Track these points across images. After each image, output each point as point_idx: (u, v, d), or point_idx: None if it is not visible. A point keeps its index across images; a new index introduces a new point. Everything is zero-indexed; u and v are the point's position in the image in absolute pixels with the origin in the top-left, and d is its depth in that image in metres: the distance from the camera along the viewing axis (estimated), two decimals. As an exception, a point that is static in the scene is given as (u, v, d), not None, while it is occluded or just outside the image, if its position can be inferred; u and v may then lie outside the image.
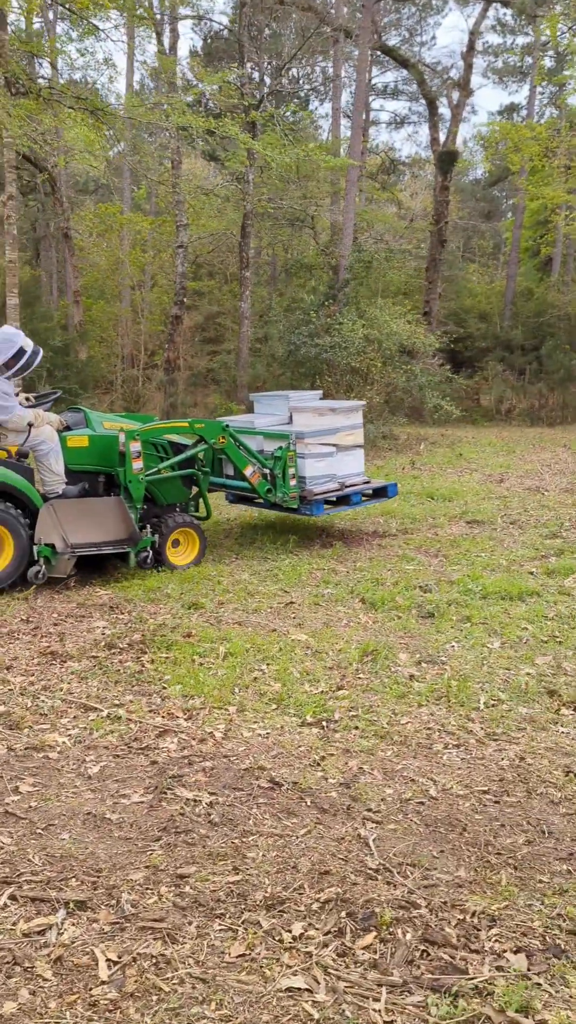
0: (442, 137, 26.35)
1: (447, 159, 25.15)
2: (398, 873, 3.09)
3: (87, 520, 6.62)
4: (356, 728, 4.28)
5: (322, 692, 4.70)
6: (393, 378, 15.14)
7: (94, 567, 7.08)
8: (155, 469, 7.16)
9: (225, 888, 2.97)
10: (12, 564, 6.30)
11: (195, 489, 7.80)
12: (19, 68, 13.63)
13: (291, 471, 7.71)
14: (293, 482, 7.74)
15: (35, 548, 6.35)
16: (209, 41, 32.19)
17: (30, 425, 6.60)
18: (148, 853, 3.18)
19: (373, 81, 37.63)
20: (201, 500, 7.91)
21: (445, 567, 7.54)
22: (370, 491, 8.58)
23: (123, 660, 5.09)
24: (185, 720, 4.33)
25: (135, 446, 6.83)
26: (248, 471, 7.64)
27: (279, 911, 2.85)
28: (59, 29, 22.67)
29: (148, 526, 7.05)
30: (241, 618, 5.96)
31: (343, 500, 8.26)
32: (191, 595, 6.45)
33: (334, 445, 8.09)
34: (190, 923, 2.79)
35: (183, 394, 19.19)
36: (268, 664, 5.07)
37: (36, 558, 6.38)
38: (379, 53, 32.28)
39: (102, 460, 7.09)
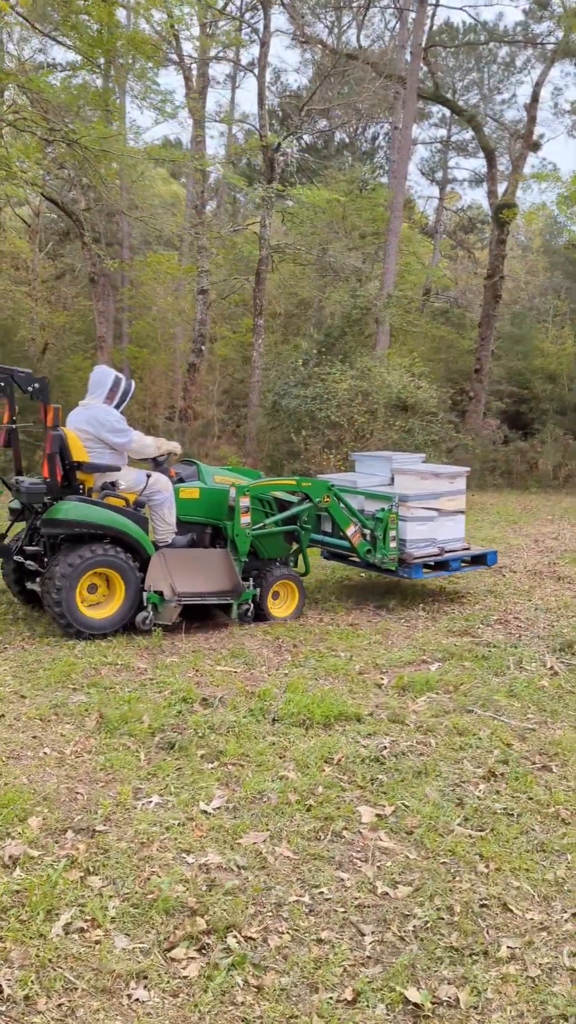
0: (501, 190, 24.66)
1: (502, 212, 23.39)
2: None
3: (194, 570, 6.65)
4: None
5: None
6: (388, 434, 13.39)
7: (198, 616, 6.93)
8: (261, 524, 7.11)
9: None
10: (122, 609, 6.32)
11: (295, 544, 7.67)
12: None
13: (392, 533, 7.45)
14: (393, 544, 7.47)
15: (144, 595, 6.35)
16: (284, 99, 31.44)
17: (148, 475, 6.67)
18: None
19: (452, 138, 36.37)
20: (300, 555, 7.74)
21: (275, 670, 5.78)
22: (469, 558, 8.15)
23: None
24: None
25: (244, 501, 6.80)
26: (350, 531, 7.46)
27: None
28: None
29: (251, 579, 6.90)
30: None
31: (441, 565, 7.89)
32: None
33: (436, 509, 7.79)
34: None
35: (191, 444, 17.85)
36: None
37: (145, 604, 6.36)
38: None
39: (211, 512, 7.10)
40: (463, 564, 8.11)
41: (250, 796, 3.92)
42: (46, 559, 6.44)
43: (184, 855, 3.40)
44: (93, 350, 25.52)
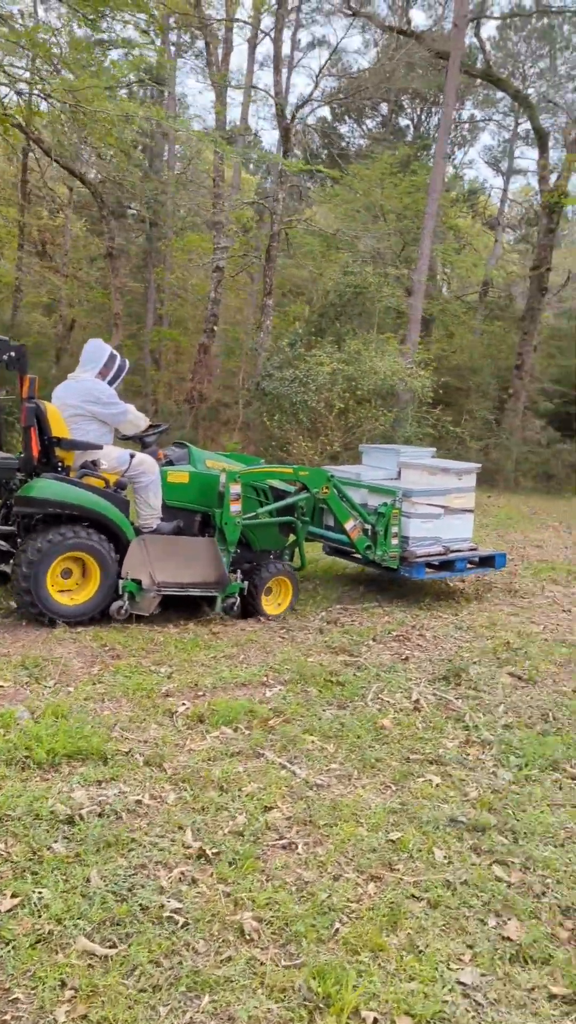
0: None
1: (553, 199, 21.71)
2: None
3: (177, 559, 6.14)
4: None
5: None
6: (375, 424, 12.12)
7: (182, 607, 6.39)
8: (253, 513, 6.57)
9: None
10: (97, 596, 5.86)
11: (292, 536, 7.15)
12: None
13: (394, 529, 7.01)
14: (395, 541, 7.02)
15: (121, 582, 5.87)
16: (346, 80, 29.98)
17: (132, 456, 6.18)
18: None
19: (519, 127, 34.49)
20: (297, 549, 7.22)
21: (62, 687, 4.71)
22: (476, 559, 7.69)
23: None
24: None
25: (235, 488, 6.31)
26: (349, 525, 6.95)
27: None
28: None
29: (239, 572, 6.45)
30: None
31: (446, 565, 7.43)
32: None
33: (443, 507, 7.36)
34: None
35: (194, 428, 16.88)
36: None
37: (121, 592, 5.88)
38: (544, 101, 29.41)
39: (201, 499, 6.61)
40: (469, 565, 7.63)
41: None
42: (19, 540, 5.93)
43: None
44: (136, 328, 24.83)
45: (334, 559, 8.56)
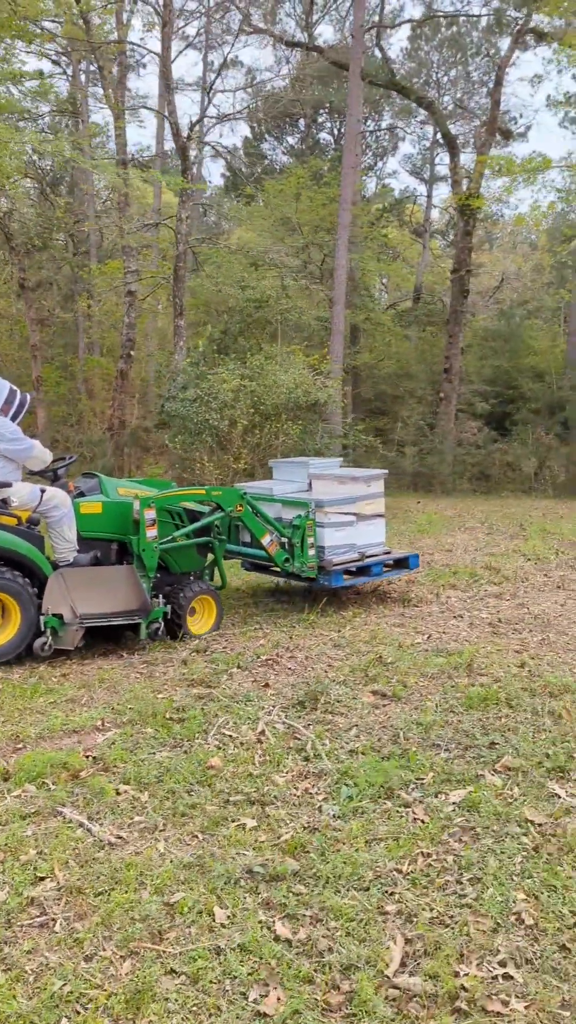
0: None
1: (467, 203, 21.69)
2: None
3: (98, 590, 6.04)
4: None
5: None
6: (285, 439, 11.80)
7: (106, 638, 6.39)
8: (170, 537, 6.53)
9: None
10: (18, 635, 5.79)
11: (211, 556, 7.14)
12: None
13: (310, 540, 7.09)
14: (312, 551, 7.11)
15: (42, 619, 5.79)
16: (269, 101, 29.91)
17: (42, 491, 6.05)
18: None
19: (438, 135, 34.70)
20: (216, 568, 7.23)
21: None
22: (391, 562, 7.80)
23: None
24: None
25: (149, 514, 6.25)
26: (266, 540, 7.02)
27: None
28: None
29: (160, 596, 6.37)
30: None
31: (363, 571, 7.53)
32: None
33: (354, 514, 7.48)
34: None
35: (113, 456, 16.48)
36: None
37: (43, 629, 5.79)
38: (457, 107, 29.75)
39: (116, 527, 6.52)
40: (385, 568, 7.72)
41: None
42: None
43: None
44: (70, 358, 24.42)
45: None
